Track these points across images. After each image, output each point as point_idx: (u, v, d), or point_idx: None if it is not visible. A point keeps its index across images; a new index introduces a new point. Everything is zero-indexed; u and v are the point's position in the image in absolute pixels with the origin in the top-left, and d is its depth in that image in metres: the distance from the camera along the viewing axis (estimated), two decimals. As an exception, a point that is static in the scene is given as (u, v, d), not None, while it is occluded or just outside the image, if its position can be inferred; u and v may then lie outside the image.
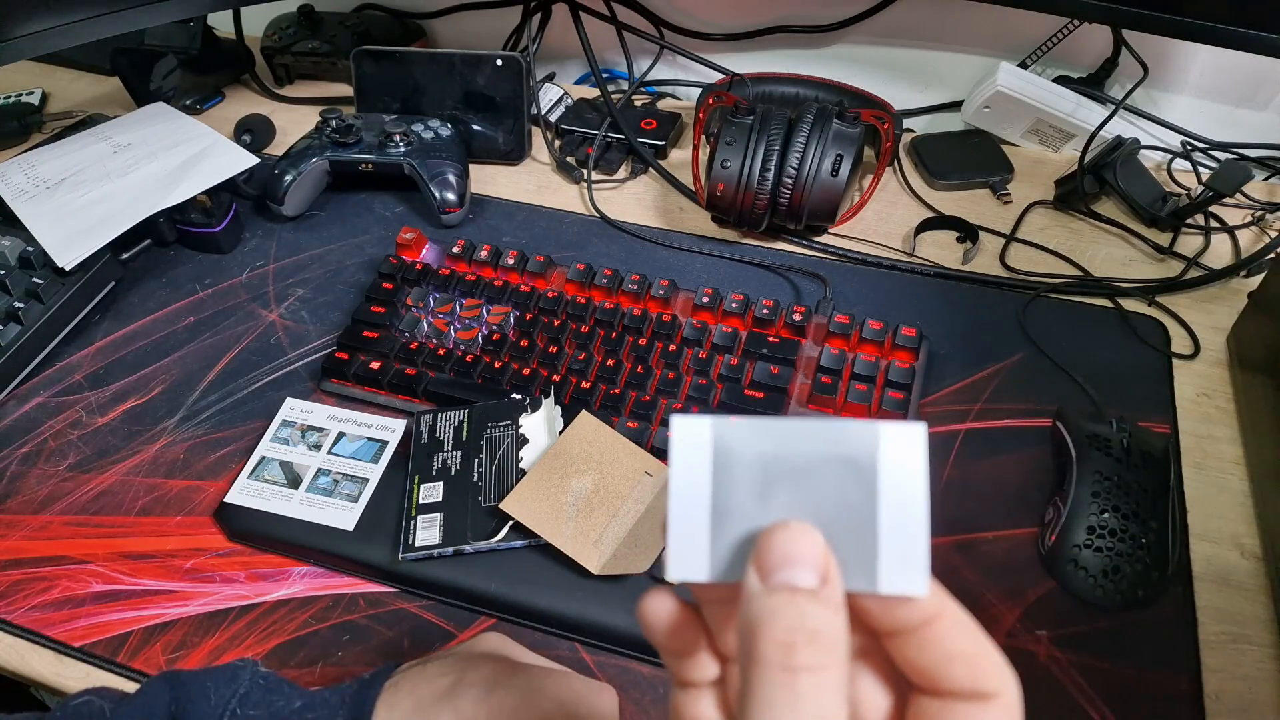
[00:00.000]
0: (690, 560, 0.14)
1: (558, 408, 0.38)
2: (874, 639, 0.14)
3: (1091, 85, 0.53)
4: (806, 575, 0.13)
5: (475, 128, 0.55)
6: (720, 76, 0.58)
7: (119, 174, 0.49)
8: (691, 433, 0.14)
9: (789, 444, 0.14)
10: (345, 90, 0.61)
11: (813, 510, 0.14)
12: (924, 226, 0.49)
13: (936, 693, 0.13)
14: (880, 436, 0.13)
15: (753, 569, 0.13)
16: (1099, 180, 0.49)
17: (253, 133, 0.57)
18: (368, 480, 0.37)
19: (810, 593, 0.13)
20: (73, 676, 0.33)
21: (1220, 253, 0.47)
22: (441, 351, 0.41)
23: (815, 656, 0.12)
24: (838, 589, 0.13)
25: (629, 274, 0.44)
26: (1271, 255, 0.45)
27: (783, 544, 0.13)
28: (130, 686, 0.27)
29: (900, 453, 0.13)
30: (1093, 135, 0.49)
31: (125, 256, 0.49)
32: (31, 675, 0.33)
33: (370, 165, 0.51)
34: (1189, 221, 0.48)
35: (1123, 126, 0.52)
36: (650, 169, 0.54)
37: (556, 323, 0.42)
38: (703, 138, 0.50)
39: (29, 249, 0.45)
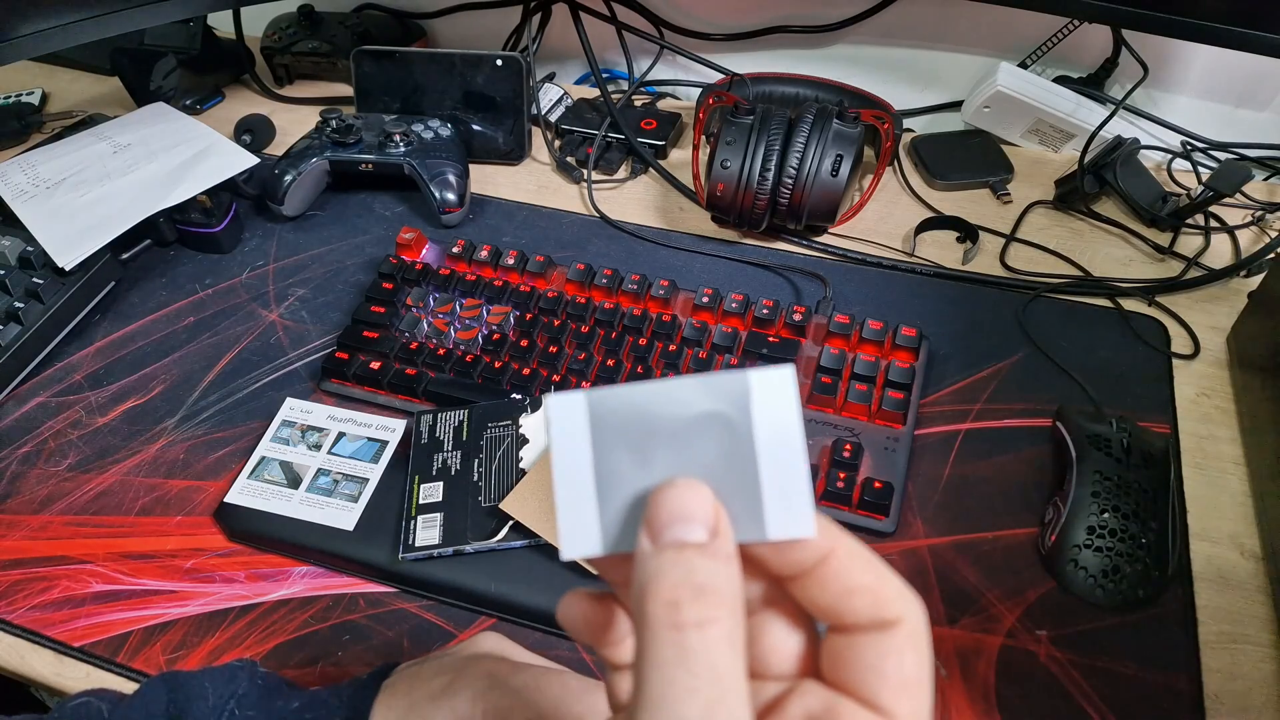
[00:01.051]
0: (581, 536, 0.14)
1: (558, 408, 0.38)
2: (777, 585, 0.14)
3: (1091, 85, 0.53)
4: (696, 530, 0.13)
5: (475, 128, 0.55)
6: (720, 76, 0.58)
7: (119, 174, 0.49)
8: (566, 409, 0.14)
9: (664, 406, 0.13)
10: (345, 90, 0.61)
11: (695, 467, 0.13)
12: (924, 226, 0.49)
13: (843, 629, 0.13)
14: (750, 385, 0.13)
15: (644, 532, 0.13)
16: (1099, 180, 0.49)
17: (253, 133, 0.57)
18: (368, 480, 0.37)
19: (698, 547, 0.12)
20: (73, 677, 0.33)
21: (1220, 253, 0.47)
22: (441, 351, 0.41)
23: (702, 611, 0.12)
24: (727, 540, 0.13)
25: (629, 274, 0.44)
26: (1271, 255, 0.45)
27: (669, 502, 0.13)
28: (130, 687, 0.27)
29: (771, 397, 0.13)
30: (1093, 135, 0.49)
31: (125, 256, 0.49)
32: (31, 675, 0.33)
33: (370, 165, 0.51)
34: (1189, 221, 0.48)
35: (1123, 126, 0.52)
36: (650, 169, 0.54)
37: (556, 323, 0.42)
38: (703, 138, 0.50)
39: (29, 249, 0.45)
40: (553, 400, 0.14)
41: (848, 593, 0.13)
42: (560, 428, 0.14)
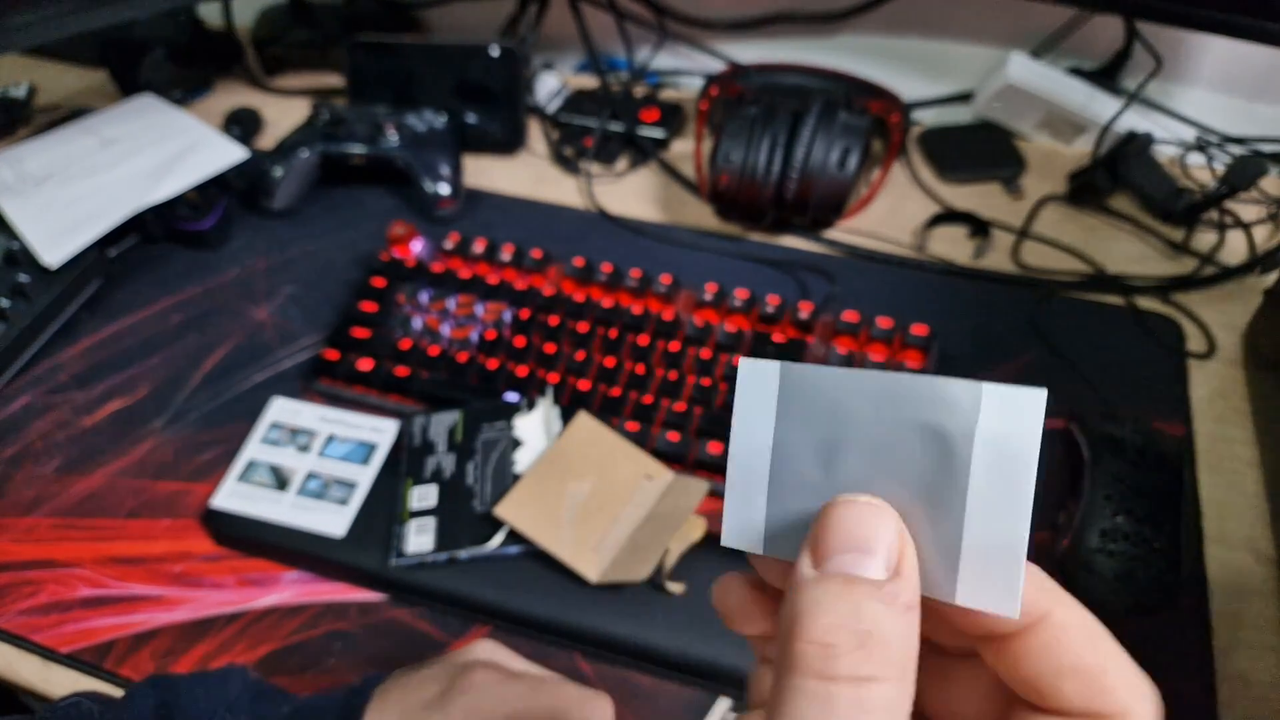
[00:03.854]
0: (745, 528, 0.12)
1: (555, 409, 0.37)
2: (964, 639, 0.12)
3: (1104, 77, 0.52)
4: (872, 565, 0.10)
5: (470, 119, 0.53)
6: (723, 66, 0.57)
7: (106, 169, 0.48)
8: (756, 377, 0.12)
9: (868, 400, 0.11)
10: (337, 81, 0.60)
11: (886, 485, 0.11)
12: (934, 221, 0.48)
13: (1044, 709, 0.11)
14: (983, 400, 0.10)
15: (806, 549, 0.11)
16: (1112, 174, 0.47)
17: (242, 125, 0.56)
18: (358, 484, 0.36)
19: (871, 585, 0.10)
20: (60, 682, 0.32)
21: (1235, 249, 0.46)
22: (434, 351, 0.40)
23: (862, 665, 0.09)
24: (909, 586, 0.10)
25: (629, 270, 0.43)
26: (1289, 251, 0.44)
27: (845, 521, 0.10)
28: (119, 693, 0.26)
29: (1007, 424, 0.10)
30: (1105, 128, 0.48)
31: (112, 253, 0.48)
32: (18, 681, 0.33)
33: (362, 158, 0.50)
34: (1204, 217, 0.46)
35: (1136, 119, 0.50)
36: (651, 161, 0.53)
37: (554, 321, 0.41)
38: (706, 129, 0.49)
39: (14, 245, 0.44)
40: (746, 363, 0.12)
41: (1057, 672, 0.11)
42: (746, 396, 0.12)
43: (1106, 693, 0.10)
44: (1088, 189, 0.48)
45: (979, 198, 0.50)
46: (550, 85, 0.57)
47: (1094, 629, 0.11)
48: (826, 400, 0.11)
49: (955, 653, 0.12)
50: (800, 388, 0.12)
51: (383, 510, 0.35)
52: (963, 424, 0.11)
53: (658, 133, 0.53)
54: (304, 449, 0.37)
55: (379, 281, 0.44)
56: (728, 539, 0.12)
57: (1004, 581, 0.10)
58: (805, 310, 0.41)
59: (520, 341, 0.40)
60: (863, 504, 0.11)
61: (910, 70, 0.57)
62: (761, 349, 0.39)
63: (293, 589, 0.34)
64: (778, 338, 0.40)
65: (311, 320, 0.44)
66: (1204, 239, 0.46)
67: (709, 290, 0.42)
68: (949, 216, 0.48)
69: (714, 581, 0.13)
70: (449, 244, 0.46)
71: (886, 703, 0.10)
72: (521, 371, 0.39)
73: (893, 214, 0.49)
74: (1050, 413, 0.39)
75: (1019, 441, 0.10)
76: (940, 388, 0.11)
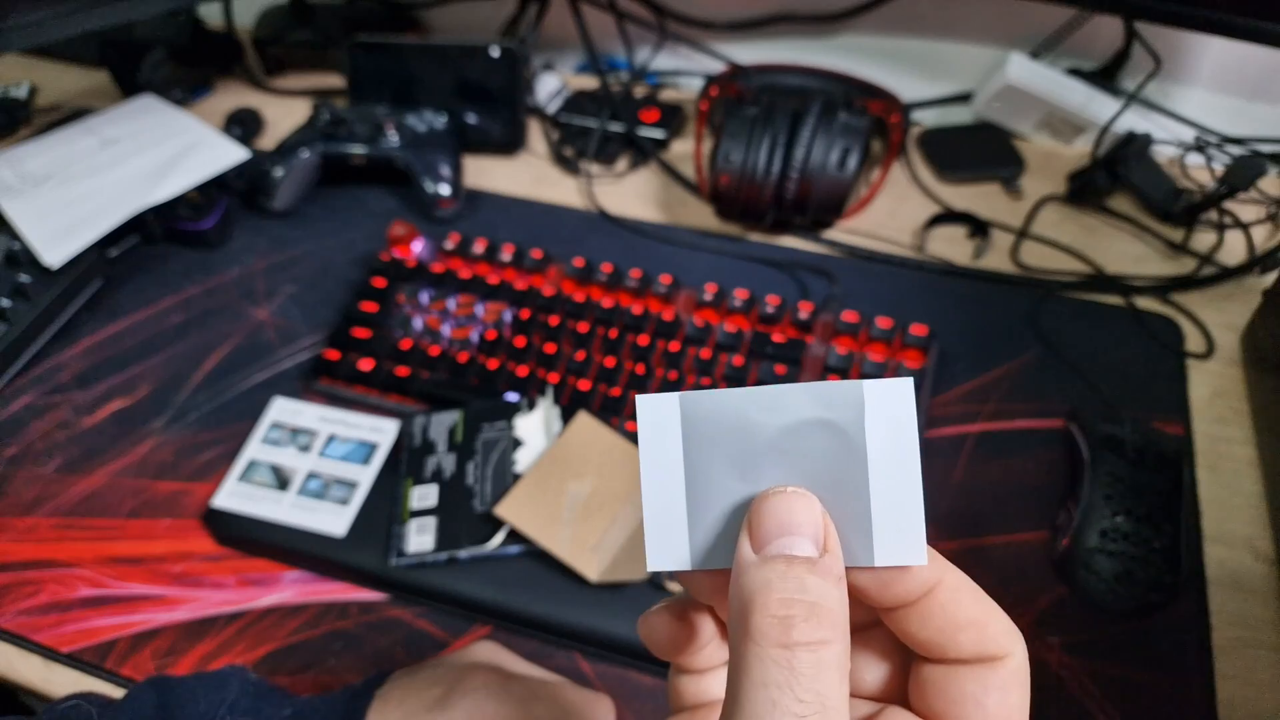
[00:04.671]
0: (670, 548, 0.13)
1: (555, 409, 0.37)
2: (868, 611, 0.14)
3: (1104, 77, 0.52)
4: (804, 545, 0.12)
5: (470, 119, 0.53)
6: (723, 66, 0.57)
7: (106, 169, 0.48)
8: (657, 411, 0.13)
9: (766, 413, 0.13)
10: (337, 81, 0.60)
11: (800, 480, 0.13)
12: (934, 222, 0.48)
13: (942, 660, 0.13)
14: (865, 396, 0.12)
15: (746, 539, 0.12)
16: (1111, 174, 0.48)
17: (242, 125, 0.56)
18: (359, 484, 0.36)
19: (808, 563, 0.12)
20: (61, 682, 0.32)
21: (1234, 249, 0.46)
22: (435, 350, 0.40)
23: (815, 631, 0.11)
24: (837, 560, 0.12)
25: (629, 270, 0.43)
26: (1288, 251, 0.44)
27: (777, 511, 0.12)
28: (119, 693, 0.26)
29: (888, 411, 0.12)
30: (1105, 128, 0.48)
31: (113, 253, 0.48)
32: (19, 681, 0.33)
33: (362, 158, 0.50)
34: (1203, 217, 0.47)
35: (1135, 120, 0.50)
36: (651, 162, 0.53)
37: (554, 321, 0.41)
38: (705, 130, 0.49)
39: (15, 246, 0.44)
40: (644, 400, 0.13)
41: (953, 628, 0.12)
42: (651, 429, 0.13)
43: (993, 639, 0.13)
44: (1087, 189, 0.48)
45: (978, 198, 0.50)
46: (550, 85, 0.57)
47: (976, 588, 0.13)
48: (728, 419, 0.13)
49: (859, 626, 0.14)
50: (701, 413, 0.13)
51: (383, 510, 0.35)
52: (853, 417, 0.12)
53: (658, 133, 0.54)
54: (304, 449, 0.37)
55: (379, 281, 0.44)
56: (654, 563, 0.13)
57: (911, 537, 0.12)
58: (805, 310, 0.41)
59: (520, 341, 0.40)
60: (790, 493, 0.12)
61: (910, 70, 0.57)
62: (761, 349, 0.39)
63: (293, 589, 0.34)
64: (777, 338, 0.40)
65: (312, 320, 0.44)
66: (1203, 239, 0.46)
67: (709, 290, 0.42)
68: (949, 217, 0.48)
69: (637, 622, 0.15)
70: (449, 244, 0.46)
71: (838, 660, 0.11)
72: (522, 371, 0.39)
73: (892, 214, 0.49)
74: (1049, 413, 0.39)
75: (900, 424, 0.12)
76: (829, 391, 0.12)
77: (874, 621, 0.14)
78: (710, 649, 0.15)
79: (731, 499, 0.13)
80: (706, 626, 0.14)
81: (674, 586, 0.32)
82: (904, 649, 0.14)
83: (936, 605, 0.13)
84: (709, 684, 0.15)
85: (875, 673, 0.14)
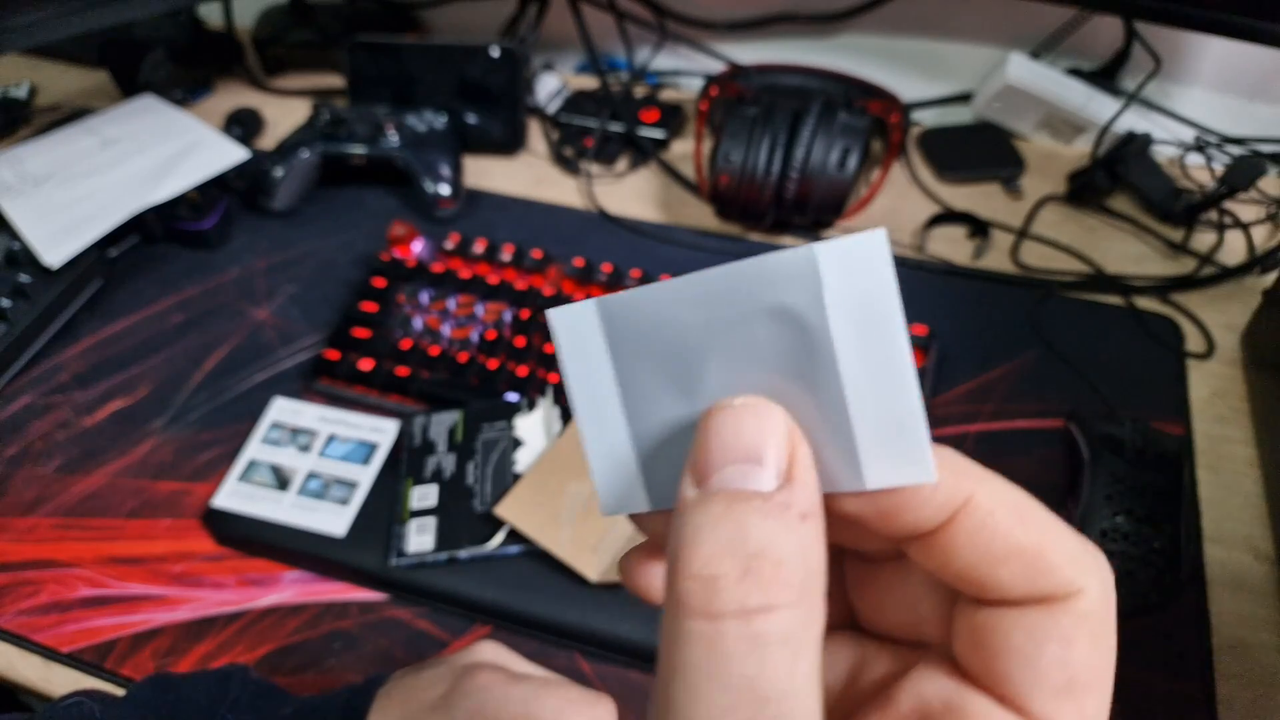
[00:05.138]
0: (622, 489, 0.10)
1: (555, 409, 0.37)
2: (888, 540, 0.10)
3: (1104, 77, 0.52)
4: (760, 474, 0.09)
5: (470, 119, 0.53)
6: (723, 67, 0.57)
7: (107, 169, 0.48)
8: (575, 323, 0.10)
9: (702, 308, 0.10)
10: (337, 82, 0.60)
11: (754, 386, 0.09)
12: (934, 222, 0.48)
13: (988, 601, 0.09)
14: (820, 265, 0.09)
15: (687, 469, 0.09)
16: (1111, 175, 0.48)
17: (242, 125, 0.56)
18: (359, 484, 0.36)
19: (758, 499, 0.09)
20: (60, 682, 0.32)
21: (1234, 249, 0.46)
22: (435, 351, 0.40)
23: (750, 595, 0.08)
24: (805, 491, 0.09)
25: (629, 270, 0.43)
26: (1288, 251, 0.44)
27: (726, 431, 0.09)
28: (119, 692, 0.26)
29: (855, 280, 0.09)
30: (1105, 128, 0.48)
31: (113, 253, 0.48)
32: (19, 680, 0.33)
33: (362, 158, 0.50)
34: (1203, 217, 0.47)
35: (1135, 120, 0.50)
36: (651, 161, 0.53)
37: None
38: (705, 130, 0.49)
39: (15, 246, 0.44)
40: (558, 314, 0.10)
41: (993, 559, 0.09)
42: (571, 348, 0.10)
43: (1050, 572, 0.09)
44: (1087, 189, 0.48)
45: (978, 198, 0.50)
46: (550, 86, 0.57)
47: (1024, 505, 0.09)
48: (658, 321, 0.10)
49: (882, 558, 0.11)
50: (625, 320, 0.10)
51: (383, 510, 0.35)
52: (808, 295, 0.09)
53: (658, 133, 0.54)
54: (304, 449, 0.37)
55: (379, 281, 0.44)
56: (606, 508, 0.10)
57: (909, 448, 0.09)
58: (805, 310, 0.41)
59: (521, 341, 0.40)
60: (739, 407, 0.09)
61: (910, 70, 0.57)
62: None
63: (293, 589, 0.34)
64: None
65: (312, 320, 0.44)
66: (1203, 239, 0.46)
67: (709, 290, 0.42)
68: (948, 216, 0.48)
69: (618, 565, 0.12)
70: (449, 244, 0.46)
71: (785, 632, 0.08)
72: (522, 371, 0.39)
73: (892, 214, 0.49)
74: (1049, 413, 0.39)
75: (874, 293, 0.09)
76: (772, 265, 0.09)
77: (899, 553, 0.11)
78: None
79: (678, 422, 0.10)
80: None
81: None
82: (946, 589, 0.10)
83: (966, 531, 0.09)
84: None
85: (907, 612, 0.11)
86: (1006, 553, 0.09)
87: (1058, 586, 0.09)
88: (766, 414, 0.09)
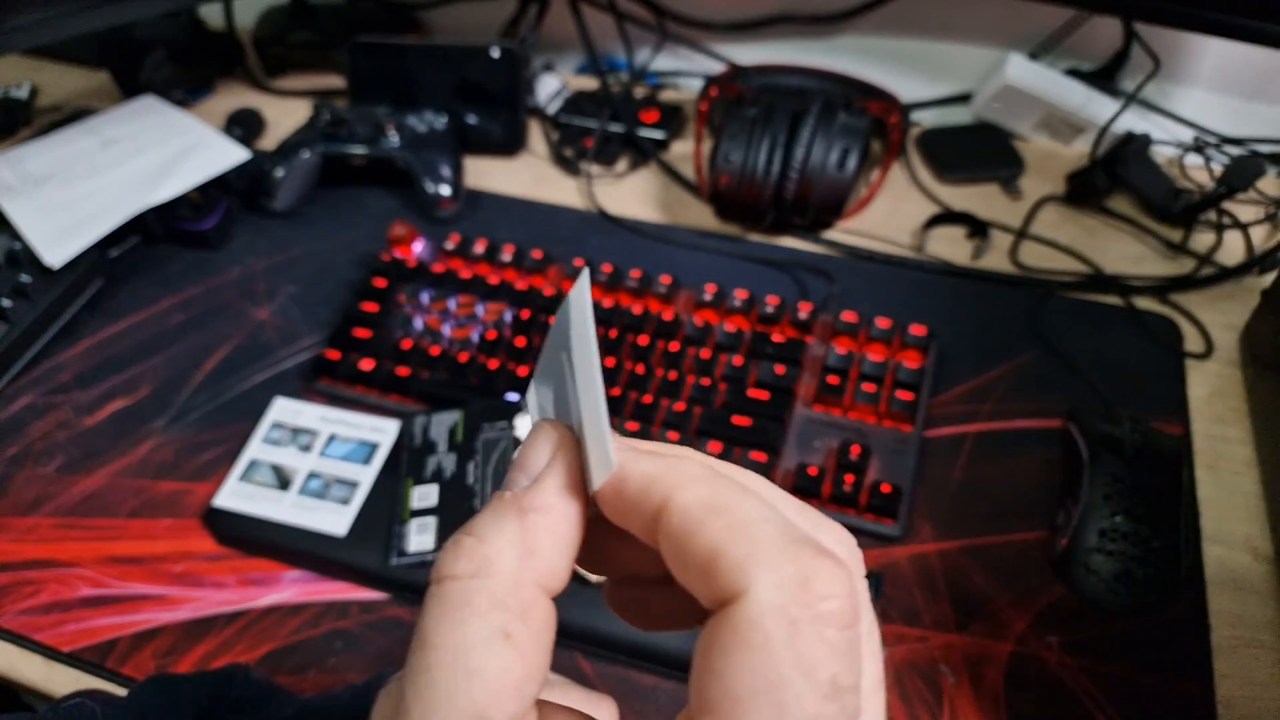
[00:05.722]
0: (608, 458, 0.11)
1: (556, 408, 0.37)
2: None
3: (1103, 78, 0.52)
4: (519, 478, 0.11)
5: (471, 120, 0.53)
6: (723, 67, 0.57)
7: (107, 169, 0.48)
8: (585, 295, 0.11)
9: (560, 324, 0.12)
10: (338, 82, 0.60)
11: (562, 406, 0.12)
12: (933, 222, 0.48)
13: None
14: (569, 303, 0.11)
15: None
16: (1110, 175, 0.48)
17: (243, 125, 0.56)
18: (359, 483, 0.36)
19: (502, 497, 0.11)
20: (62, 682, 0.32)
21: (1233, 249, 0.46)
22: (435, 351, 0.40)
23: (451, 564, 0.10)
24: (540, 491, 0.11)
25: (629, 271, 0.43)
26: (1287, 252, 0.44)
27: (524, 446, 0.11)
28: (121, 692, 0.26)
29: (576, 313, 0.11)
30: (1104, 129, 0.48)
31: (114, 254, 0.48)
32: (20, 680, 0.33)
33: (363, 158, 0.50)
34: (1202, 218, 0.47)
35: (1134, 120, 0.51)
36: (651, 162, 0.53)
37: (554, 321, 0.41)
38: (705, 130, 0.49)
39: (16, 246, 0.44)
40: (581, 287, 0.12)
41: (683, 564, 0.09)
42: (581, 315, 0.11)
43: (717, 575, 0.09)
44: (1086, 189, 0.48)
45: (978, 198, 0.50)
46: (550, 86, 0.57)
47: (716, 503, 0.09)
48: (559, 325, 0.12)
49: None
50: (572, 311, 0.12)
51: (384, 510, 0.35)
52: (564, 326, 0.11)
53: (658, 134, 0.54)
54: (305, 449, 0.37)
55: (380, 282, 0.44)
56: (600, 480, 0.11)
57: (599, 449, 0.10)
58: (805, 310, 0.41)
59: (521, 341, 0.40)
60: (535, 425, 0.12)
61: (909, 71, 0.57)
62: (761, 349, 0.40)
63: (294, 588, 0.34)
64: (777, 338, 0.40)
65: (312, 320, 0.44)
66: (1202, 239, 0.46)
67: (709, 291, 0.42)
68: (948, 217, 0.48)
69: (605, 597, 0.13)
70: (450, 244, 0.46)
71: (466, 596, 0.09)
72: (522, 371, 0.39)
73: (892, 214, 0.49)
74: (1049, 413, 0.39)
75: (580, 324, 0.11)
76: (562, 308, 0.11)
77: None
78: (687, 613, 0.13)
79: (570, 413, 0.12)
80: (664, 591, 0.12)
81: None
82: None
83: (666, 538, 0.09)
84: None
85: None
86: (691, 556, 0.09)
87: (723, 591, 0.08)
88: (542, 432, 0.11)
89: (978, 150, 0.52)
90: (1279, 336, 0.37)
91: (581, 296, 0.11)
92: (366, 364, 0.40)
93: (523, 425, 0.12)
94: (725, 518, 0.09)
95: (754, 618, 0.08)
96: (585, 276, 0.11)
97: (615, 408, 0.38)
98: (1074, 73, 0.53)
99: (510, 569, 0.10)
